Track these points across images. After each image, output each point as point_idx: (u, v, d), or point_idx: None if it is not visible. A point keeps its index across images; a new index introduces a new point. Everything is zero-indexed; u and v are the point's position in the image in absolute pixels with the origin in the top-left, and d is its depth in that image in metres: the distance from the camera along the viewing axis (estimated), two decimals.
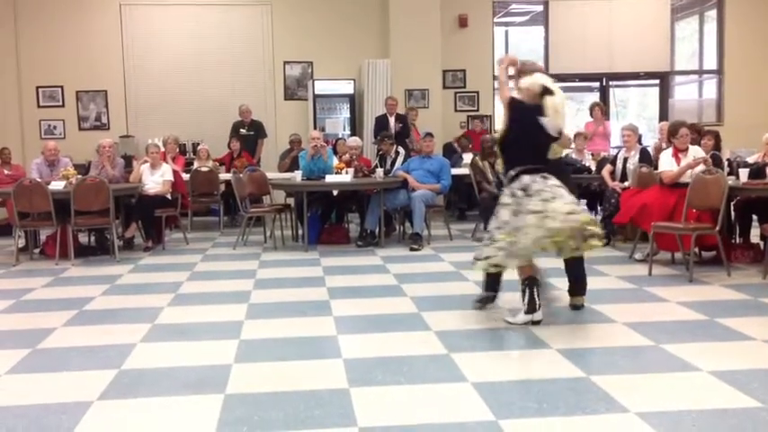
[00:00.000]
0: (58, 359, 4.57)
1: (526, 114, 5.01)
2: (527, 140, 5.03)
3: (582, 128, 11.05)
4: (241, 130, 11.78)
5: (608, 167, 8.66)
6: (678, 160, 7.16)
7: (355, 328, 5.17)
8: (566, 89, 14.61)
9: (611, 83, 14.23)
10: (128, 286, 6.80)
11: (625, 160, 8.51)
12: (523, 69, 5.28)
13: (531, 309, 5.04)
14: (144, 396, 3.86)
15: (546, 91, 4.96)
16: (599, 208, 9.60)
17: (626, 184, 8.26)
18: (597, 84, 14.30)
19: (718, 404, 3.59)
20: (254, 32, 12.95)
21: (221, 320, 5.45)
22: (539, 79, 5.04)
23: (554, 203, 4.79)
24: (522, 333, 4.94)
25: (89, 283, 6.90)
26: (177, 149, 11.26)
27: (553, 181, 4.93)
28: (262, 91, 12.96)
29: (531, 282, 5.06)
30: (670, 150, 7.29)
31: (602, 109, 11.55)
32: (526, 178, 4.91)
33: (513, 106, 5.11)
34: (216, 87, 12.82)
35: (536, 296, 5.04)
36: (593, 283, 6.45)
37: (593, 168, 9.28)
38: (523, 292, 5.09)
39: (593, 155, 9.61)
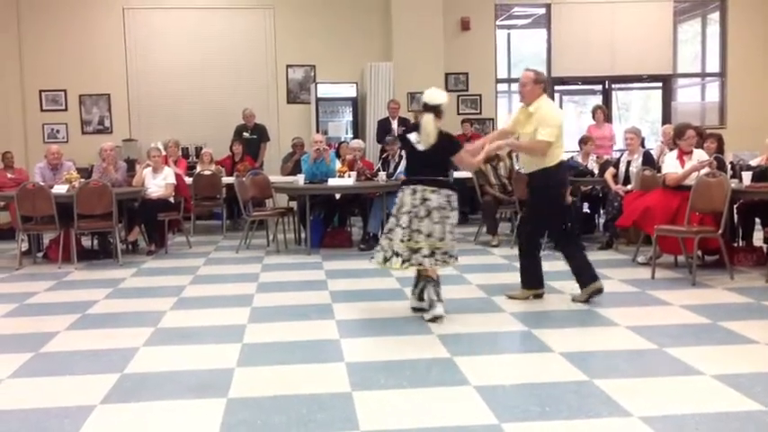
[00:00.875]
0: (60, 363, 4.57)
1: (405, 132, 5.77)
2: (409, 156, 5.69)
3: (585, 131, 11.04)
4: (244, 133, 11.79)
5: (611, 170, 8.65)
6: (683, 163, 7.14)
7: (358, 332, 5.17)
8: (568, 92, 14.74)
9: (613, 85, 14.23)
10: (131, 290, 6.81)
11: (628, 163, 8.51)
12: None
13: (432, 305, 5.35)
14: (147, 400, 3.86)
15: (426, 108, 5.42)
16: (602, 211, 9.60)
17: (629, 187, 8.25)
18: (600, 86, 14.30)
19: (721, 407, 3.58)
20: (257, 36, 12.97)
21: (224, 324, 5.44)
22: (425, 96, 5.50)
23: (419, 223, 5.31)
24: (525, 336, 4.94)
25: (92, 287, 6.90)
26: (179, 153, 11.28)
27: (436, 197, 5.33)
28: (264, 94, 12.98)
29: (429, 281, 5.39)
30: (675, 153, 7.28)
31: (604, 112, 11.54)
32: (402, 191, 5.52)
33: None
34: (219, 91, 12.83)
35: (433, 294, 5.34)
36: None
37: (596, 171, 9.26)
38: (421, 290, 5.48)
39: (597, 158, 9.60)
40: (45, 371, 4.42)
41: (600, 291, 5.80)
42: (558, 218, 6.03)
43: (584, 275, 5.85)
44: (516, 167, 9.10)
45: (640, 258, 7.49)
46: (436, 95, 5.49)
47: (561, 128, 5.75)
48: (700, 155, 7.21)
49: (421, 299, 5.52)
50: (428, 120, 5.39)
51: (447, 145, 5.51)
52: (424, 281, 5.45)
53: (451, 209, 5.41)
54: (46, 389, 4.10)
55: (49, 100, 12.75)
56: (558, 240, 6.40)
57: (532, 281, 5.99)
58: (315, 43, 12.91)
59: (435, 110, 5.42)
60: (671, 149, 7.69)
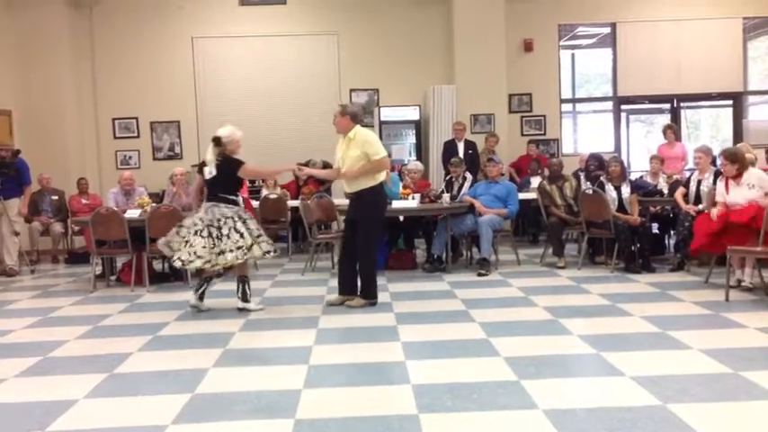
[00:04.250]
0: (133, 383, 4.68)
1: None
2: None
3: (654, 151, 10.86)
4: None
5: (681, 190, 8.47)
6: (726, 187, 7.22)
7: (423, 354, 5.15)
8: (634, 111, 14.49)
9: (681, 104, 13.95)
10: (200, 312, 6.93)
11: (698, 182, 8.31)
12: None
13: (246, 299, 6.75)
14: (217, 420, 3.92)
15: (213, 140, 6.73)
16: (672, 232, 9.39)
17: (700, 207, 8.05)
18: (667, 105, 14.04)
19: None
20: (322, 62, 13.18)
21: (290, 346, 5.50)
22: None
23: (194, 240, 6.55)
24: (594, 359, 4.85)
25: (163, 309, 7.07)
26: None
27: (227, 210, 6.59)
28: (329, 119, 13.05)
29: (242, 279, 6.76)
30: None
31: (675, 131, 11.33)
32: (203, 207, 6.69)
33: None
34: (284, 115, 13.06)
35: (248, 289, 6.77)
36: (667, 308, 6.33)
37: (666, 191, 9.08)
38: (238, 286, 6.75)
39: (668, 177, 9.40)
40: (118, 391, 4.52)
41: (373, 305, 6.72)
42: (380, 230, 7.06)
43: (370, 289, 6.77)
44: (583, 188, 8.99)
45: (746, 281, 7.05)
46: (221, 130, 6.80)
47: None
48: (755, 174, 7.09)
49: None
50: (210, 150, 6.69)
51: (225, 167, 6.64)
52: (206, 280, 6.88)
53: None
54: (119, 409, 4.20)
55: (122, 127, 13.16)
56: (363, 251, 6.83)
57: (375, 292, 6.81)
58: (378, 67, 13.04)
59: (217, 141, 6.69)
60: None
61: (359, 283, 6.83)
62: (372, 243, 6.87)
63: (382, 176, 6.82)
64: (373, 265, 6.86)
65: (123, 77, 12.98)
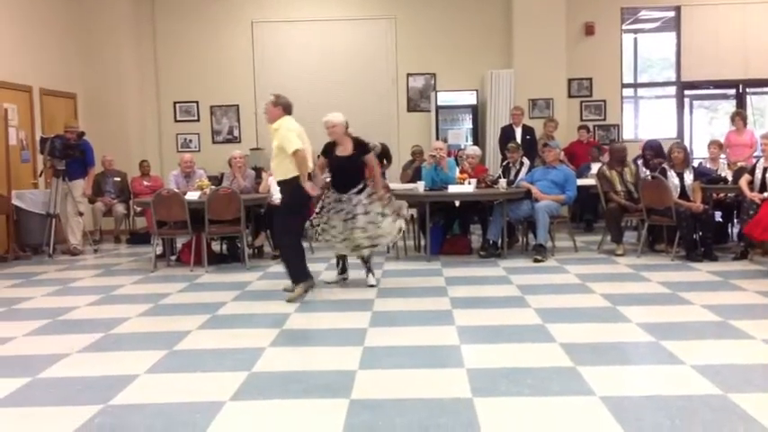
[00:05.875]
0: (192, 360, 4.77)
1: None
2: None
3: (719, 137, 10.60)
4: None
5: (746, 177, 8.24)
6: None
7: (478, 338, 5.13)
8: (698, 96, 14.12)
9: (747, 89, 13.54)
10: (257, 292, 7.03)
11: (764, 170, 8.08)
12: None
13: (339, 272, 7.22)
14: (273, 398, 3.98)
15: None
16: (735, 220, 9.16)
17: (766, 194, 7.83)
18: (732, 91, 13.65)
19: None
20: (379, 46, 13.15)
21: (345, 327, 5.54)
22: None
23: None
24: (653, 347, 4.76)
25: (221, 289, 7.18)
26: None
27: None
28: (385, 103, 13.14)
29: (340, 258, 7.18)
30: None
31: (743, 118, 11.01)
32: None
33: None
34: (341, 99, 13.05)
35: (339, 266, 7.22)
36: (729, 298, 6.18)
37: (730, 178, 8.85)
38: (336, 262, 7.25)
39: (729, 164, 9.16)
40: (178, 367, 4.62)
41: (312, 286, 6.71)
42: (294, 221, 6.80)
43: (295, 274, 6.63)
44: (642, 175, 8.81)
45: None
46: None
47: (301, 136, 6.65)
48: None
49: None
50: None
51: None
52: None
53: None
54: (179, 385, 4.30)
55: (183, 111, 13.37)
56: (276, 238, 7.27)
57: (301, 275, 6.63)
58: (435, 52, 12.97)
59: None
60: None
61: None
62: (284, 231, 6.88)
63: (297, 170, 6.58)
64: (289, 251, 6.76)
65: (184, 62, 13.17)
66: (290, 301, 6.46)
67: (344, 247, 7.00)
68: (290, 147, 6.49)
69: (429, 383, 4.14)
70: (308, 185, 6.51)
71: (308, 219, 7.01)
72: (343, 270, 7.35)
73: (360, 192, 6.90)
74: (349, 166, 6.96)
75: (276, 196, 9.15)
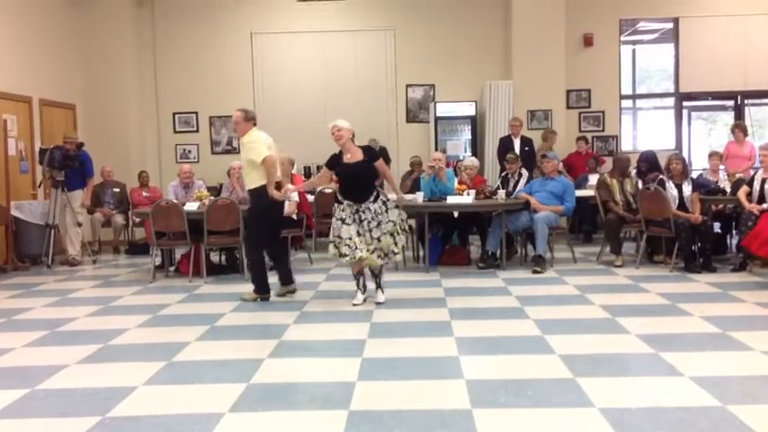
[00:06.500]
0: (191, 372, 4.76)
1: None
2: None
3: (717, 148, 10.62)
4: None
5: (744, 189, 8.25)
6: None
7: (477, 350, 5.13)
8: (697, 108, 14.17)
9: (746, 101, 13.58)
10: (256, 304, 7.02)
11: (763, 181, 8.09)
12: None
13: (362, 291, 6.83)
14: (272, 410, 3.97)
15: None
16: (734, 231, 9.17)
17: (765, 206, 7.84)
18: (731, 102, 13.68)
19: None
20: (378, 57, 13.20)
21: (344, 338, 5.54)
22: None
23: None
24: (652, 359, 4.76)
25: (220, 300, 7.18)
26: (293, 170, 11.52)
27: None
28: (384, 114, 13.17)
29: (359, 275, 6.84)
30: None
31: (743, 130, 11.02)
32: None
33: None
34: (341, 110, 13.06)
35: (361, 285, 6.83)
36: (728, 309, 6.18)
37: (728, 189, 8.86)
38: (357, 281, 6.86)
39: (728, 175, 9.17)
40: (177, 379, 4.61)
41: (266, 299, 7.06)
42: (262, 229, 7.05)
43: (257, 283, 7.05)
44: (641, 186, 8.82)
45: None
46: None
47: (271, 148, 6.96)
48: None
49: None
50: None
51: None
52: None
53: None
54: (177, 396, 4.29)
55: (182, 122, 13.40)
56: (246, 246, 7.55)
57: (259, 285, 7.05)
58: (434, 63, 13.01)
59: None
60: None
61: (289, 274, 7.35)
62: (252, 240, 7.22)
63: (264, 179, 6.89)
64: (256, 260, 7.11)
65: (184, 73, 13.21)
66: (243, 300, 7.04)
67: (376, 257, 6.66)
68: (259, 156, 6.79)
69: (428, 395, 4.14)
70: (275, 193, 6.82)
71: (278, 227, 7.32)
72: (364, 288, 6.89)
73: (375, 200, 6.71)
74: (361, 172, 6.74)
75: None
